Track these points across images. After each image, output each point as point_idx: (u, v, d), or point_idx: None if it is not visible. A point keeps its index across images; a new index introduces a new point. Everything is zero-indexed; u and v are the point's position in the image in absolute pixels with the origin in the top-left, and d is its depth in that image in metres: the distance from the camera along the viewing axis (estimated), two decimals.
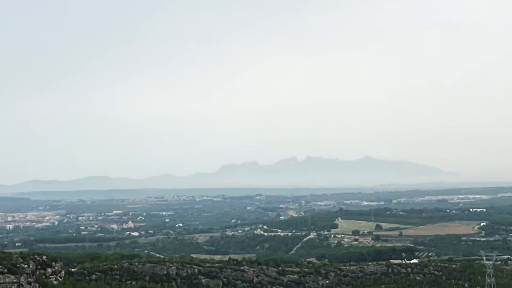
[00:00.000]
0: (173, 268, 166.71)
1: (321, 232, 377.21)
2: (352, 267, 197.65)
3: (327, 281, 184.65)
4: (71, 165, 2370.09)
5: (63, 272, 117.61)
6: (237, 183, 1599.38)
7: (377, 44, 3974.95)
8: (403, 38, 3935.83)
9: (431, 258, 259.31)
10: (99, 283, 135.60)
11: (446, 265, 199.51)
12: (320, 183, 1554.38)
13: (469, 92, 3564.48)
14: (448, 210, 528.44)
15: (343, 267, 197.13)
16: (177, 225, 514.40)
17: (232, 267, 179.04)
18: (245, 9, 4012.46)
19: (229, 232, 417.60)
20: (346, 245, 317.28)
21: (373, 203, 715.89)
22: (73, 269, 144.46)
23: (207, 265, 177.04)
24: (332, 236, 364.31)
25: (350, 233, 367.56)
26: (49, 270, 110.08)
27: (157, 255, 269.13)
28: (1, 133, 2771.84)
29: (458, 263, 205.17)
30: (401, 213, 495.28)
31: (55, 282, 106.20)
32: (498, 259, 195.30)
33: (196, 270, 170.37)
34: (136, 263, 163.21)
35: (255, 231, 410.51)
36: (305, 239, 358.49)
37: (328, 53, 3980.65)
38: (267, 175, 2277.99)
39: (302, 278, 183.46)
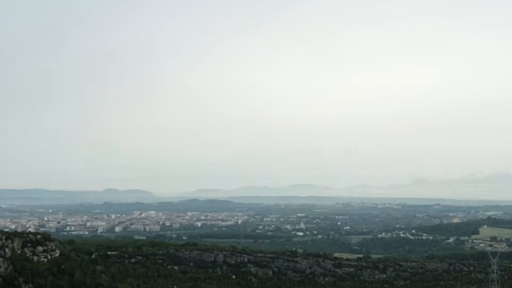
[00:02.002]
0: (220, 256, 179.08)
1: (460, 237, 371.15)
2: (413, 263, 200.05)
3: (384, 275, 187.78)
4: (281, 175, 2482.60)
5: (57, 250, 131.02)
6: (426, 194, 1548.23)
7: None
8: None
9: None
10: (136, 265, 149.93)
11: None
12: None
13: None
14: None
15: (403, 263, 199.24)
16: (344, 228, 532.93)
17: (285, 258, 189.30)
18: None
19: (380, 235, 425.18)
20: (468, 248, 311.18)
21: None
22: (112, 252, 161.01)
23: (259, 255, 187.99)
24: (470, 241, 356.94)
25: (488, 239, 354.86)
26: (39, 248, 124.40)
27: (299, 250, 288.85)
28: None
29: None
30: None
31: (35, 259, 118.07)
32: None
33: (246, 259, 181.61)
34: (183, 250, 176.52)
35: (401, 234, 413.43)
36: (443, 242, 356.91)
37: None
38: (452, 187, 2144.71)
39: (358, 271, 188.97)
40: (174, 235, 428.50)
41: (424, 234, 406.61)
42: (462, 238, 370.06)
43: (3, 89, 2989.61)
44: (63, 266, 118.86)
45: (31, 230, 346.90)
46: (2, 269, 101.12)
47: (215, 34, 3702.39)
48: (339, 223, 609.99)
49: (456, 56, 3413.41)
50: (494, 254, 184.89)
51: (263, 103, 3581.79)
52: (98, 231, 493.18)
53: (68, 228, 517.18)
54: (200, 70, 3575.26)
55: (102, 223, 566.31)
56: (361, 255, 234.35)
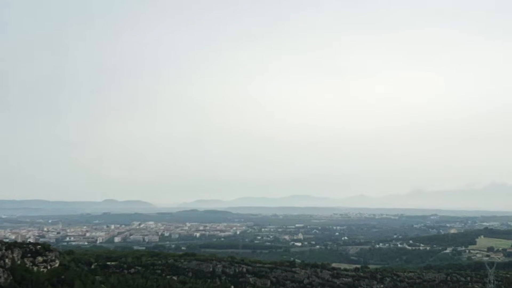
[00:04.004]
0: (219, 266, 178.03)
1: (457, 247, 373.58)
2: (410, 274, 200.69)
3: (382, 286, 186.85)
4: (279, 186, 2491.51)
5: (57, 261, 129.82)
6: (424, 205, 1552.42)
7: None
8: None
9: None
10: (135, 276, 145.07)
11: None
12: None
13: None
14: None
15: (401, 273, 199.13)
16: (342, 238, 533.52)
17: (283, 268, 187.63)
18: None
19: (378, 245, 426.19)
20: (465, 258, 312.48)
21: None
22: (112, 263, 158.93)
23: (258, 265, 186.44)
24: (467, 251, 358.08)
25: (485, 250, 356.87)
26: (39, 258, 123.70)
27: (297, 260, 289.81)
28: None
29: None
30: None
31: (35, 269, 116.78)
32: None
33: (244, 269, 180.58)
34: (182, 260, 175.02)
35: (399, 245, 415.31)
36: (440, 253, 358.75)
37: None
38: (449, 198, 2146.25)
39: (356, 281, 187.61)
40: (173, 246, 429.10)
41: (422, 245, 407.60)
42: (459, 248, 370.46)
43: (3, 98, 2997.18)
44: (62, 277, 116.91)
45: (31, 240, 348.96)
46: (2, 280, 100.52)
47: (216, 44, 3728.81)
48: (337, 233, 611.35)
49: (454, 68, 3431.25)
50: (491, 264, 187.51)
51: (264, 113, 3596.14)
52: (98, 242, 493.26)
53: (67, 239, 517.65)
54: (201, 80, 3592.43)
55: (101, 234, 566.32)
56: (358, 266, 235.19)
